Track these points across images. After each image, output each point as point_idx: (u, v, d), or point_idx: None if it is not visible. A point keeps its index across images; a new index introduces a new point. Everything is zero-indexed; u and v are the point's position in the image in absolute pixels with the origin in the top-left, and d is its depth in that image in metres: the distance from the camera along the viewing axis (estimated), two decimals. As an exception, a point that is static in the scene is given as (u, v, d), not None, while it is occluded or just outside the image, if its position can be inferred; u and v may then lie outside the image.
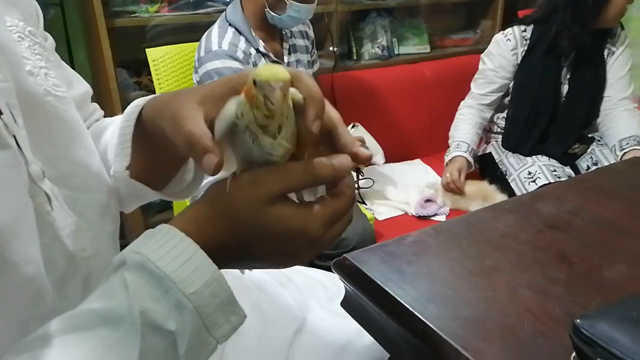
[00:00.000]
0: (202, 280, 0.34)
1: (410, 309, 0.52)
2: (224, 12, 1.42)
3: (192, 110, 0.38)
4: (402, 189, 1.70)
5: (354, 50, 2.12)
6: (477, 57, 1.79)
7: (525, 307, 0.53)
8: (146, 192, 0.51)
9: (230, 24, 1.38)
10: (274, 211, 0.36)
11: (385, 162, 1.87)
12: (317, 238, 0.37)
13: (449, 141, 1.75)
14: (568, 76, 1.66)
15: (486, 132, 1.85)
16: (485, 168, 1.83)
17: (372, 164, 1.61)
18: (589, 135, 1.74)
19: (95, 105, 0.61)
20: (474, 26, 2.41)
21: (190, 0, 1.74)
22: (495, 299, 0.54)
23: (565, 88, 1.66)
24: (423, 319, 0.50)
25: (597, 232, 0.68)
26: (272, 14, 1.35)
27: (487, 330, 0.49)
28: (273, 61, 1.41)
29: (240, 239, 0.37)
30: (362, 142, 1.54)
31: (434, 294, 0.55)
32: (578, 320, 0.44)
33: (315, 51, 1.64)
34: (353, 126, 1.60)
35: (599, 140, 1.72)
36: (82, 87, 0.57)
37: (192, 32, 1.62)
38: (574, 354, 0.44)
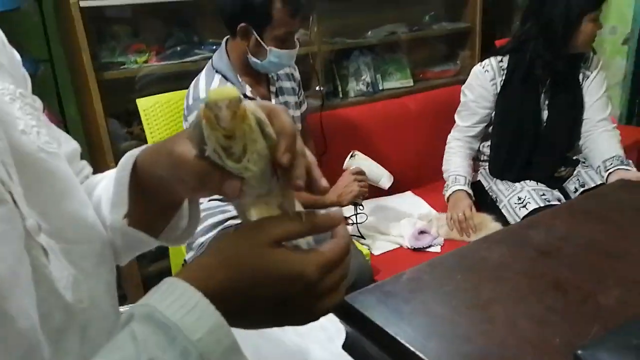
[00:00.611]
0: (206, 327, 0.36)
1: (411, 348, 0.52)
2: (211, 59, 1.45)
3: (188, 146, 0.40)
4: (395, 223, 1.71)
5: (340, 89, 2.18)
6: (459, 88, 1.84)
7: (524, 338, 0.53)
8: (142, 241, 0.52)
9: (217, 71, 1.41)
10: (274, 255, 0.38)
11: (377, 196, 1.88)
12: (314, 283, 0.38)
13: (444, 175, 1.76)
14: (546, 102, 1.71)
15: (474, 160, 1.88)
16: (475, 196, 1.85)
17: (379, 186, 1.60)
18: (574, 158, 1.77)
19: (85, 162, 0.63)
20: (453, 58, 2.50)
21: (178, 49, 1.79)
22: (494, 332, 0.54)
23: (545, 114, 1.71)
24: (423, 358, 0.50)
25: (589, 257, 0.69)
26: (254, 59, 1.39)
27: (488, 365, 0.50)
28: None
29: (242, 287, 0.38)
30: (361, 174, 1.54)
31: (433, 331, 0.55)
32: (579, 352, 0.44)
33: (302, 92, 1.68)
34: (352, 156, 1.59)
35: (583, 162, 1.75)
36: (71, 145, 0.59)
37: (180, 80, 1.66)
38: (575, 384, 0.45)
